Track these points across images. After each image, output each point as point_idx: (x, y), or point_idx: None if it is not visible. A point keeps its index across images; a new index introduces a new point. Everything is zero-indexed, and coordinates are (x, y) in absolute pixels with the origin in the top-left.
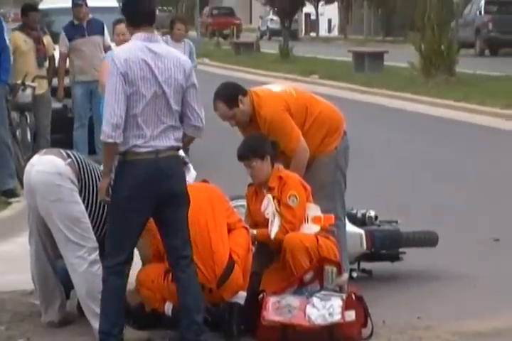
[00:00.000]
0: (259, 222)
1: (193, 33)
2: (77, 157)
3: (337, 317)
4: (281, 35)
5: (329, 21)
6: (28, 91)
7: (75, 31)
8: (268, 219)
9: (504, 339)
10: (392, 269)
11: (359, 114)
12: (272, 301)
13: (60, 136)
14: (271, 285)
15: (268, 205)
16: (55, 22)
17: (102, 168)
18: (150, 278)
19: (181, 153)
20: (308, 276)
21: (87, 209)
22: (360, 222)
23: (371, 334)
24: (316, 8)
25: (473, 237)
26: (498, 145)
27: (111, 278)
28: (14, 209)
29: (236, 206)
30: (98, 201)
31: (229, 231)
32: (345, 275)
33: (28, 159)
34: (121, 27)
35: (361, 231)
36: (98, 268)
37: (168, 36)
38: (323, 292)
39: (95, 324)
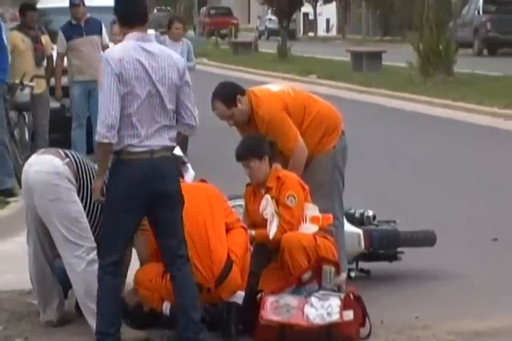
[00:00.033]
0: (257, 221)
1: (190, 33)
2: (75, 156)
3: (335, 317)
4: (279, 35)
5: (327, 21)
6: (26, 90)
7: (72, 31)
8: (266, 220)
9: (502, 339)
10: (390, 269)
11: (357, 114)
12: (270, 301)
13: (58, 135)
14: (269, 285)
15: (267, 206)
16: (53, 21)
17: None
18: (148, 277)
19: (180, 153)
20: (306, 276)
21: (85, 209)
22: (358, 221)
23: (369, 334)
24: (314, 7)
25: (471, 237)
26: (496, 145)
27: (105, 278)
28: (12, 209)
29: (234, 206)
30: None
31: (227, 230)
32: (344, 275)
33: (26, 158)
34: (115, 26)
35: (359, 230)
36: (96, 268)
37: (166, 36)
38: (321, 291)
39: (93, 323)
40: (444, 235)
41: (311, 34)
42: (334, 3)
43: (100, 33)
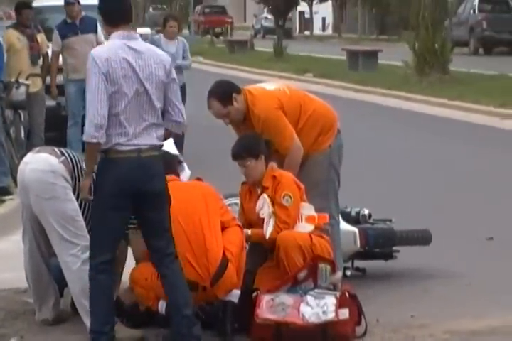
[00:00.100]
0: (252, 220)
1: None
2: (71, 155)
3: (331, 316)
4: (275, 34)
5: (323, 20)
6: (22, 89)
7: (67, 29)
8: (262, 219)
9: (498, 338)
10: (386, 267)
11: (353, 113)
12: (265, 299)
13: (54, 134)
14: (265, 284)
15: (264, 205)
16: (49, 20)
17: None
18: (143, 276)
19: (175, 152)
20: (302, 274)
21: (80, 207)
22: (354, 220)
23: (365, 333)
24: (310, 6)
25: (467, 236)
26: (493, 143)
27: (97, 277)
28: (8, 207)
29: (230, 204)
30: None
31: (223, 229)
32: (339, 274)
33: (22, 157)
34: None
35: (355, 229)
36: None
37: (161, 34)
38: (317, 290)
39: (89, 322)
40: (440, 234)
41: (307, 33)
42: (330, 2)
43: (95, 32)
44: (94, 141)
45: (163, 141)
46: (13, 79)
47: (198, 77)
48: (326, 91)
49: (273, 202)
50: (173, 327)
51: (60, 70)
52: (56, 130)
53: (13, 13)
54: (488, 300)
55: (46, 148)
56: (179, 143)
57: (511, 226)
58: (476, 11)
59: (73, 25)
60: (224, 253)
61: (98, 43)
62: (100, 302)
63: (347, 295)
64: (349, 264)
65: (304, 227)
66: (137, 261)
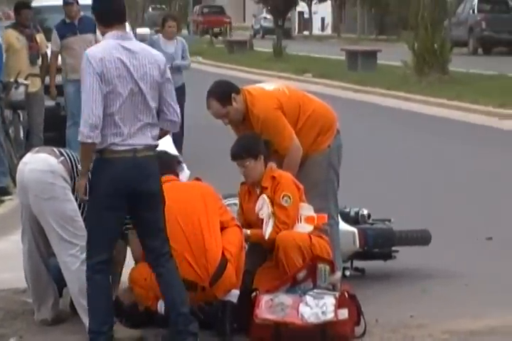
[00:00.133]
0: (251, 220)
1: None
2: (70, 155)
3: (330, 316)
4: (274, 34)
5: (322, 20)
6: (21, 89)
7: (66, 29)
8: (261, 219)
9: (497, 338)
10: (385, 268)
11: (352, 113)
12: (264, 299)
13: (53, 134)
14: (264, 284)
15: (263, 206)
16: (48, 20)
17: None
18: (143, 276)
19: (175, 152)
20: (301, 275)
21: (79, 208)
22: (353, 220)
23: (364, 333)
24: (310, 6)
25: (466, 236)
26: (492, 144)
27: (94, 277)
28: (7, 207)
29: (229, 204)
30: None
31: (222, 229)
32: (338, 274)
33: (21, 157)
34: None
35: (354, 229)
36: None
37: (160, 34)
38: (316, 290)
39: (88, 322)
40: (439, 234)
41: (306, 33)
42: (329, 2)
43: (94, 32)
44: (89, 141)
45: (158, 140)
46: (12, 79)
47: (197, 77)
48: (325, 91)
49: (272, 203)
50: (170, 324)
51: (59, 70)
52: (55, 130)
53: (11, 13)
54: (487, 300)
55: (45, 148)
56: (178, 144)
57: (510, 226)
58: (476, 11)
59: (72, 25)
60: (223, 254)
61: (97, 43)
62: (98, 303)
63: (346, 296)
64: (348, 264)
65: (303, 228)
66: (136, 261)
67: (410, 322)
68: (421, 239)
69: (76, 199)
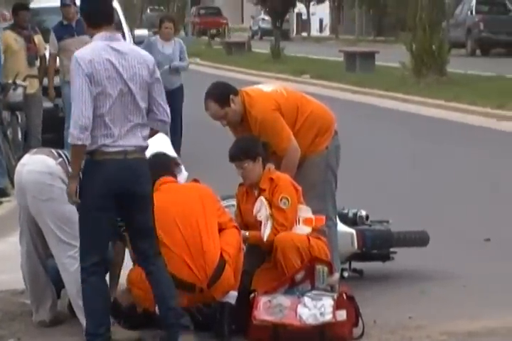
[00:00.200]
0: (249, 222)
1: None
2: (68, 156)
3: (328, 317)
4: (272, 35)
5: (320, 21)
6: (19, 90)
7: (64, 31)
8: (259, 221)
9: (495, 339)
10: (383, 269)
11: (350, 114)
12: (263, 301)
13: (51, 135)
14: (262, 285)
15: (261, 208)
16: (46, 21)
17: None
18: (141, 277)
19: (173, 153)
20: (299, 276)
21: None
22: (351, 221)
23: (362, 334)
24: (308, 7)
25: (464, 237)
26: (490, 145)
27: (90, 280)
28: (5, 209)
29: (227, 206)
30: None
31: (220, 230)
32: (337, 275)
33: (19, 158)
34: None
35: (352, 230)
36: None
37: (158, 36)
38: (314, 292)
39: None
40: (437, 235)
41: (304, 34)
42: (327, 3)
43: None
44: (80, 142)
45: (147, 139)
46: (10, 81)
47: (195, 78)
48: (323, 92)
49: (270, 205)
50: (161, 319)
51: (57, 72)
52: (53, 131)
53: (8, 15)
54: (485, 301)
55: (43, 149)
56: (176, 145)
57: (508, 227)
58: (474, 12)
59: (69, 27)
60: (221, 255)
61: None
62: (94, 304)
63: (344, 297)
64: (346, 266)
65: (302, 229)
66: (134, 263)
67: (408, 324)
68: (419, 240)
69: None
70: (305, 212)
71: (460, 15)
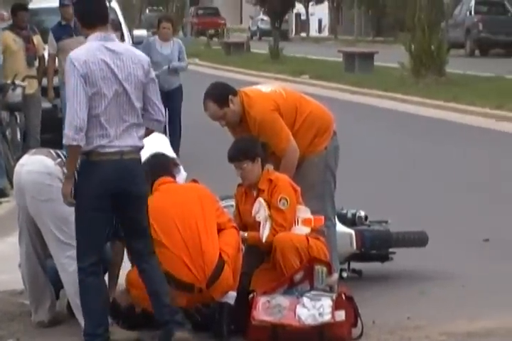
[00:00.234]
0: (248, 222)
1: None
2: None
3: (327, 317)
4: (271, 36)
5: (319, 21)
6: (18, 90)
7: (62, 31)
8: (258, 222)
9: (494, 339)
10: (382, 269)
11: (349, 115)
12: (262, 301)
13: (50, 135)
14: (261, 285)
15: (260, 209)
16: (45, 21)
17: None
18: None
19: (172, 154)
20: (298, 276)
21: None
22: (350, 222)
23: (361, 335)
24: (307, 8)
25: (463, 237)
26: (488, 145)
27: (88, 280)
28: (4, 209)
29: (226, 206)
30: None
31: (219, 231)
32: (336, 276)
33: (18, 159)
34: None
35: (351, 231)
36: None
37: (156, 36)
38: (313, 292)
39: None
40: (436, 235)
41: (303, 34)
42: (326, 4)
43: None
44: (75, 143)
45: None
46: (9, 81)
47: (194, 78)
48: (322, 93)
49: (269, 206)
50: (156, 316)
51: (56, 72)
52: (52, 132)
53: (7, 15)
54: (484, 302)
55: (42, 150)
56: (175, 145)
57: (507, 227)
58: (473, 13)
59: (68, 27)
60: (220, 255)
61: None
62: (92, 305)
63: (343, 297)
64: (345, 266)
65: (301, 230)
66: (133, 263)
67: (407, 324)
68: (418, 240)
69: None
70: (304, 212)
71: (459, 16)
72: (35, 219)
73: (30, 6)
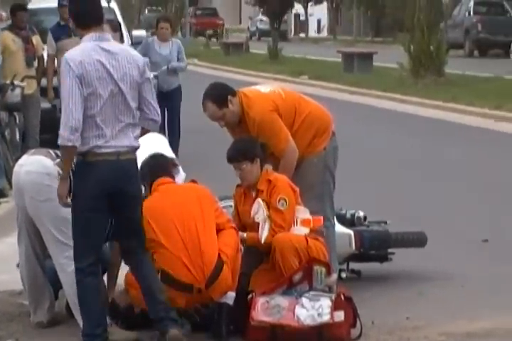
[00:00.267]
0: (247, 223)
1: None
2: None
3: (326, 318)
4: (270, 36)
5: (318, 22)
6: (17, 91)
7: (61, 32)
8: (257, 222)
9: (493, 340)
10: (381, 270)
11: (348, 115)
12: (261, 301)
13: (49, 136)
14: (260, 286)
15: (259, 210)
16: (44, 22)
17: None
18: None
19: (171, 154)
20: (297, 277)
21: None
22: (349, 222)
23: (360, 335)
24: (306, 8)
25: (462, 238)
26: (487, 145)
27: (86, 280)
28: (3, 210)
29: (225, 206)
30: None
31: (218, 231)
32: (334, 276)
33: (17, 159)
34: (105, 27)
35: (350, 231)
36: None
37: (155, 37)
38: (312, 292)
39: None
40: (435, 236)
41: (302, 35)
42: (325, 4)
43: None
44: (70, 144)
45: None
46: (8, 81)
47: (193, 79)
48: (321, 93)
49: (268, 206)
50: (151, 313)
51: (55, 72)
52: (51, 132)
53: (6, 15)
54: (483, 303)
55: (41, 150)
56: (174, 146)
57: (506, 228)
58: (471, 13)
59: (67, 28)
60: (219, 256)
61: None
62: (91, 305)
63: (342, 298)
64: (344, 266)
65: (300, 230)
66: (126, 262)
67: (406, 324)
68: (417, 241)
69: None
70: (303, 212)
71: (458, 16)
72: (34, 220)
73: (29, 6)
